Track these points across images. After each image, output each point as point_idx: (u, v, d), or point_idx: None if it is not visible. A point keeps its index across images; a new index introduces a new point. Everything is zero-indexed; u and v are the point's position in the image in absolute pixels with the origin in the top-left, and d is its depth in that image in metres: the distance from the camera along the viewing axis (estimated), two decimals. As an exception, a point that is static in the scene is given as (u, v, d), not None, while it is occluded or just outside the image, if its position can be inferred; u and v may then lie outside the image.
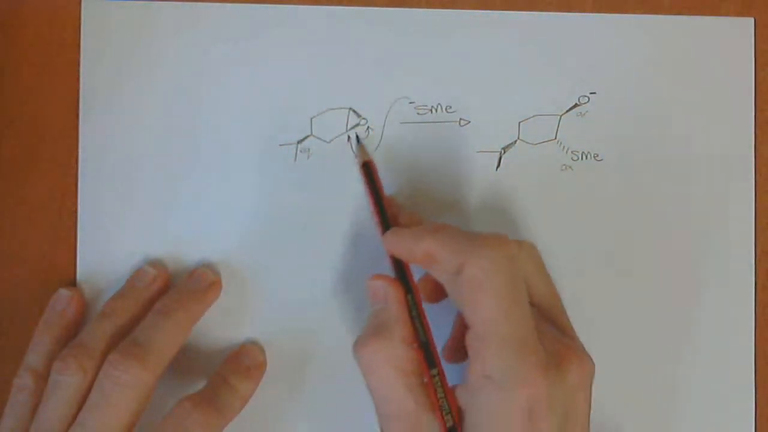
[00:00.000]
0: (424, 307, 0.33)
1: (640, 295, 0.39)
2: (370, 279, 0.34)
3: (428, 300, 0.35)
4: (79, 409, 0.33)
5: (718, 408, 0.39)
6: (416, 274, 0.34)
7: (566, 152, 0.39)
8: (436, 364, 0.32)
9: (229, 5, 0.38)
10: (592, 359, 0.32)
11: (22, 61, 0.38)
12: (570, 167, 0.39)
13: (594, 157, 0.39)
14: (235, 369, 0.37)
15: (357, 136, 0.38)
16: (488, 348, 0.30)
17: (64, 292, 0.37)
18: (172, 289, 0.37)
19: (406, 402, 0.31)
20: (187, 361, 0.37)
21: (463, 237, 0.32)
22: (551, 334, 0.32)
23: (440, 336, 0.34)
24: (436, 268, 0.32)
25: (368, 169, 0.36)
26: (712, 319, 0.39)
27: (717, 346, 0.39)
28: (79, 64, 0.38)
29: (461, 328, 0.34)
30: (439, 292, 0.34)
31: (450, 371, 0.33)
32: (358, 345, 0.32)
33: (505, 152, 0.39)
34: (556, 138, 0.39)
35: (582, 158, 0.39)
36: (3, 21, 0.38)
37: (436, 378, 0.32)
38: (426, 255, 0.32)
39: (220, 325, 0.38)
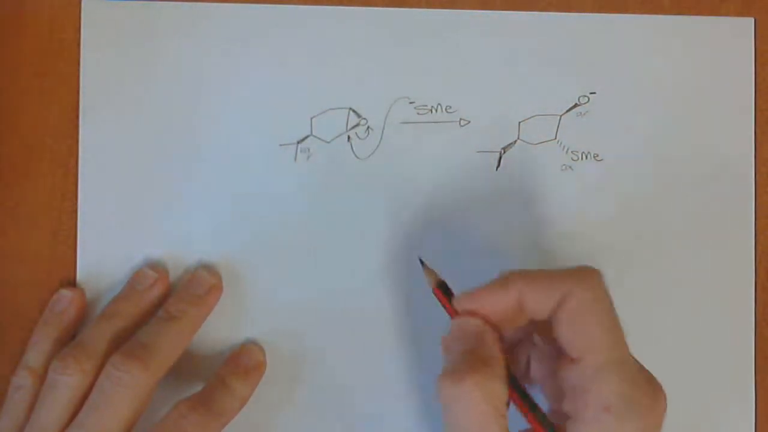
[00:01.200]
0: None
1: (639, 295, 0.39)
2: (460, 317, 0.32)
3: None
4: (76, 409, 0.33)
5: (718, 408, 0.39)
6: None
7: (566, 152, 0.39)
8: (536, 406, 0.31)
9: (229, 5, 0.38)
10: None
11: (22, 61, 0.38)
12: (570, 167, 0.39)
13: (594, 157, 0.39)
14: (233, 370, 0.37)
15: (421, 260, 0.36)
16: (605, 377, 0.29)
17: (65, 293, 0.37)
18: (174, 294, 0.37)
19: None
20: (186, 363, 0.37)
21: (552, 273, 0.31)
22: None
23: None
24: (524, 314, 0.31)
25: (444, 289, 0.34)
26: (712, 319, 0.39)
27: (717, 346, 0.39)
28: (79, 64, 0.38)
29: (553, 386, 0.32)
30: None
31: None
32: (452, 378, 0.30)
33: (505, 152, 0.39)
34: (556, 138, 0.39)
35: (582, 158, 0.39)
36: (3, 21, 0.38)
37: (541, 414, 0.31)
38: (516, 301, 0.31)
39: (219, 326, 0.38)
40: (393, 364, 0.38)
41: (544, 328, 0.32)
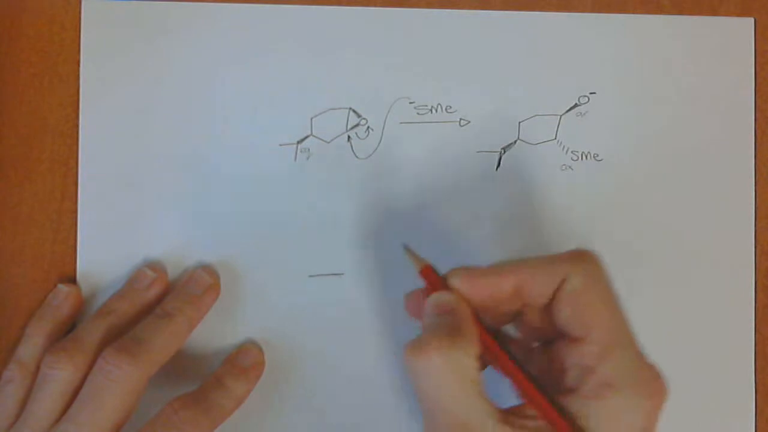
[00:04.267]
0: None
1: (639, 295, 0.39)
2: (435, 293, 0.32)
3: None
4: (68, 403, 0.34)
5: (718, 408, 0.39)
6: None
7: (566, 152, 0.39)
8: (538, 382, 0.31)
9: (229, 5, 0.38)
10: None
11: (22, 61, 0.38)
12: (570, 167, 0.39)
13: (594, 157, 0.39)
14: (230, 369, 0.37)
15: (406, 247, 0.34)
16: (610, 356, 0.30)
17: (61, 288, 0.37)
18: (172, 293, 0.37)
19: (474, 410, 0.29)
20: (185, 364, 0.37)
21: (549, 259, 0.31)
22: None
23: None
24: (519, 300, 0.32)
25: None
26: (712, 320, 0.39)
27: (717, 346, 0.39)
28: (79, 64, 0.38)
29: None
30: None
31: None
32: (417, 350, 0.30)
33: (505, 152, 0.39)
34: (556, 138, 0.39)
35: (582, 158, 0.39)
36: (3, 21, 0.38)
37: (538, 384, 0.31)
38: (513, 289, 0.31)
39: (218, 327, 0.38)
40: (393, 363, 0.38)
41: (531, 312, 0.33)
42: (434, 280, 0.32)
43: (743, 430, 0.39)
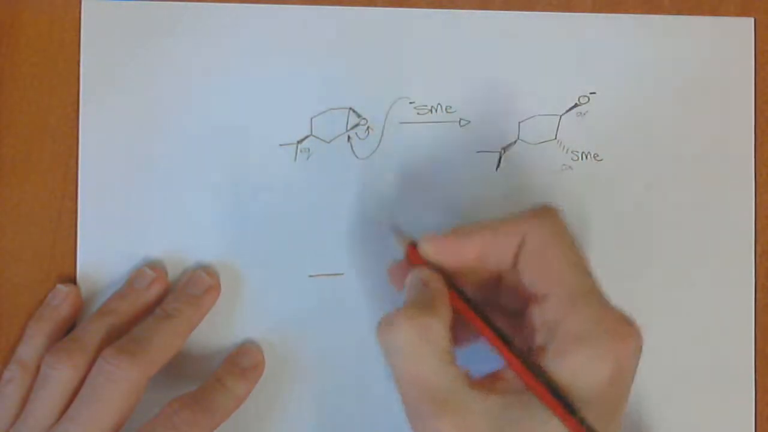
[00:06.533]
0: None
1: (639, 295, 0.39)
2: (413, 270, 0.32)
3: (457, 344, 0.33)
4: (68, 403, 0.34)
5: (718, 408, 0.39)
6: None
7: (566, 152, 0.39)
8: (510, 341, 0.30)
9: (229, 5, 0.38)
10: None
11: (22, 61, 0.38)
12: (570, 167, 0.39)
13: (594, 157, 0.39)
14: (230, 369, 0.37)
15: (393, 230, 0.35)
16: (574, 309, 0.29)
17: (61, 288, 0.37)
18: (172, 293, 0.37)
19: (445, 376, 0.29)
20: (185, 364, 0.37)
21: (509, 218, 0.32)
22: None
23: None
24: (488, 261, 0.32)
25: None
26: (712, 320, 0.39)
27: (717, 346, 0.39)
28: (79, 64, 0.38)
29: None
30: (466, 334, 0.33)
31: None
32: (388, 323, 0.30)
33: (505, 152, 0.39)
34: (556, 138, 0.39)
35: (582, 158, 0.39)
36: (3, 21, 0.38)
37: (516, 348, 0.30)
38: (479, 251, 0.32)
39: (218, 327, 0.38)
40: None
41: (506, 284, 0.33)
42: (415, 256, 0.33)
43: (743, 430, 0.39)
